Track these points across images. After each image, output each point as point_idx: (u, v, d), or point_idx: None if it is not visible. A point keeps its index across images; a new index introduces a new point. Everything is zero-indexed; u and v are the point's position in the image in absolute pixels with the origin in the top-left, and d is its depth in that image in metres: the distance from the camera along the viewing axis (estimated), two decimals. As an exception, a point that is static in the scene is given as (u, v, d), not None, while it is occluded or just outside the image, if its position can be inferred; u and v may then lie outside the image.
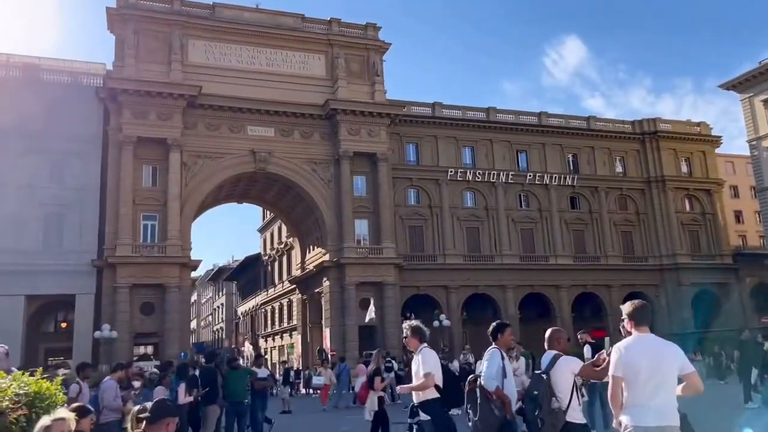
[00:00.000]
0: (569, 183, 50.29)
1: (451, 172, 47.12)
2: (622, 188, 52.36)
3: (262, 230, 66.63)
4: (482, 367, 6.77)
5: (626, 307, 5.18)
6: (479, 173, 47.93)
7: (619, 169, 53.18)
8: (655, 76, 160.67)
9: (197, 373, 10.83)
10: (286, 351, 53.56)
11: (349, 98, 42.47)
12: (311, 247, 46.63)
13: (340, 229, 41.08)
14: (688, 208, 53.58)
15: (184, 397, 9.56)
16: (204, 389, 10.21)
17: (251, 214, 62.67)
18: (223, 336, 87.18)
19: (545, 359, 6.32)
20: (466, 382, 6.70)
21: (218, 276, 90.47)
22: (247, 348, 69.11)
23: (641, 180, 52.64)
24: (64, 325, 38.85)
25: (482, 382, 6.51)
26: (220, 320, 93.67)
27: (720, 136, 56.68)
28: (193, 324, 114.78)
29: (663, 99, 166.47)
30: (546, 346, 6.60)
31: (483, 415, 6.37)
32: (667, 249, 51.19)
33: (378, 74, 44.45)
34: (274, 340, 59.43)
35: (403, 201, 46.10)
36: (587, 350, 13.41)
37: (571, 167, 51.49)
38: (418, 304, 45.80)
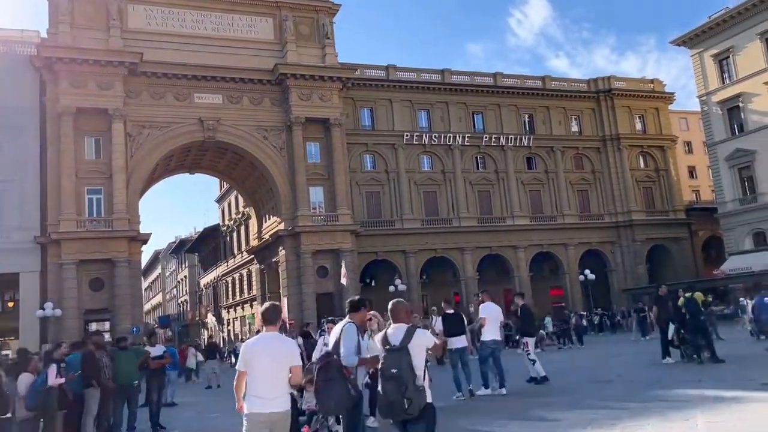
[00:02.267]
0: (525, 144, 50.31)
1: (407, 136, 46.65)
2: (578, 147, 52.63)
3: (219, 201, 65.54)
4: (337, 342, 6.37)
5: (261, 308, 6.01)
6: (435, 136, 47.56)
7: (574, 128, 53.37)
8: (619, 33, 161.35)
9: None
10: (247, 322, 53.22)
11: (299, 62, 41.37)
12: (267, 216, 45.96)
13: (295, 197, 40.45)
14: (642, 165, 54.25)
15: (54, 380, 9.11)
16: (76, 372, 9.80)
17: (212, 184, 61.67)
18: (188, 309, 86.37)
19: (397, 333, 5.73)
20: (318, 359, 6.30)
21: (180, 248, 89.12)
22: (210, 319, 68.60)
23: (597, 139, 52.96)
24: (11, 304, 37.69)
25: (342, 360, 6.18)
26: (184, 293, 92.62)
27: (673, 93, 57.27)
28: (159, 297, 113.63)
29: (627, 57, 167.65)
30: (392, 320, 6.03)
31: (338, 394, 6.02)
32: (622, 206, 51.91)
33: (328, 37, 43.32)
34: (236, 311, 59.00)
35: (359, 167, 45.56)
36: (437, 322, 13.51)
37: (527, 128, 51.46)
38: (378, 270, 45.90)
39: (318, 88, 41.76)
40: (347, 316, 6.58)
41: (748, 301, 23.36)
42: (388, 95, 46.94)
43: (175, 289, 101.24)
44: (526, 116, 51.72)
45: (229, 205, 60.71)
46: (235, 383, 5.66)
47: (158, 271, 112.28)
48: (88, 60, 35.92)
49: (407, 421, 5.46)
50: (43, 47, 35.93)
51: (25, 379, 9.41)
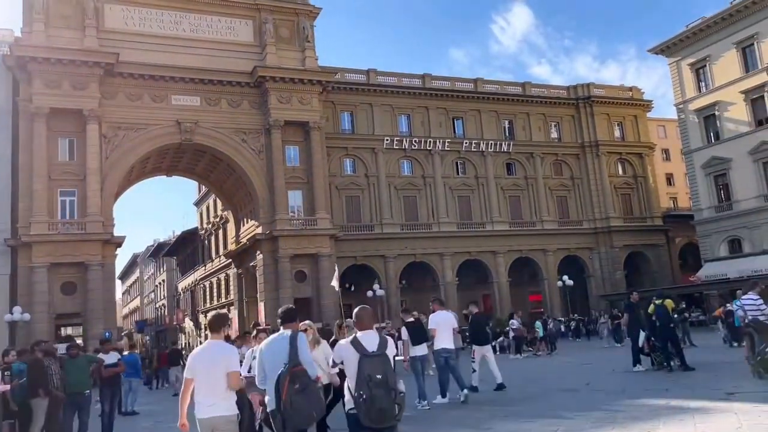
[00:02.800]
0: (505, 149, 50.45)
1: (387, 140, 46.54)
2: (557, 153, 52.90)
3: (198, 204, 64.89)
4: (294, 352, 5.96)
5: (208, 318, 6.26)
6: (415, 141, 47.52)
7: (554, 134, 53.63)
8: (600, 42, 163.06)
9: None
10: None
11: (279, 65, 41.09)
12: (245, 220, 45.53)
13: (273, 200, 40.09)
14: (621, 171, 54.66)
15: None
16: (21, 379, 9.46)
17: (191, 186, 60.86)
18: (166, 313, 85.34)
19: (370, 339, 5.73)
20: (288, 368, 5.87)
21: (158, 252, 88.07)
22: (188, 324, 67.82)
23: (576, 145, 53.26)
24: (-20, 308, 36.75)
25: (307, 368, 5.90)
26: (162, 297, 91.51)
27: (651, 101, 57.83)
28: (137, 301, 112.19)
29: (608, 65, 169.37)
30: (357, 327, 6.05)
31: (315, 403, 5.81)
32: (600, 212, 52.22)
33: (309, 40, 43.08)
34: (213, 315, 58.32)
35: (339, 171, 45.36)
36: (404, 333, 13.52)
37: (507, 133, 51.60)
38: (357, 275, 45.59)
39: (298, 92, 41.50)
40: (281, 327, 6.31)
41: (727, 306, 23.49)
42: (369, 99, 46.82)
43: (153, 293, 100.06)
44: (506, 122, 51.86)
45: (208, 208, 60.12)
46: (180, 393, 5.93)
47: (136, 274, 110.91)
48: (63, 60, 35.33)
49: (391, 427, 5.53)
50: (17, 46, 35.29)
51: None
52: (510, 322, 30.20)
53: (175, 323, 75.14)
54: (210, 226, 58.58)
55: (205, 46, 40.10)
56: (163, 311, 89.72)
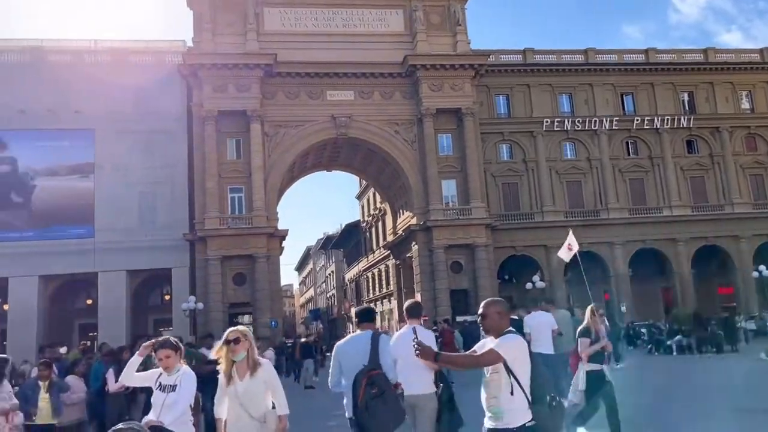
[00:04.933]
0: (684, 125, 45.01)
1: (547, 122, 43.67)
2: (749, 126, 46.17)
3: (359, 197, 66.47)
4: (375, 354, 5.68)
5: (407, 304, 6.74)
6: (579, 121, 44.06)
7: (745, 105, 46.87)
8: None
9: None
10: (386, 317, 53.29)
11: (430, 52, 40.24)
12: (401, 211, 45.45)
13: (426, 190, 39.42)
14: (832, 144, 46.27)
15: (113, 386, 8.46)
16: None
17: (353, 181, 62.61)
18: (335, 303, 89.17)
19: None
20: (363, 373, 5.48)
21: (327, 244, 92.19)
22: (354, 314, 69.98)
23: (773, 115, 46.00)
24: (167, 297, 40.62)
25: (387, 373, 5.62)
26: (332, 287, 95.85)
27: None
28: (311, 292, 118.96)
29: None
30: (484, 321, 4.92)
31: (394, 410, 5.47)
32: (807, 192, 44.64)
33: (460, 24, 41.72)
34: (376, 305, 59.38)
35: (495, 157, 43.43)
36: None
37: (686, 107, 46.01)
38: (516, 266, 43.42)
39: (449, 78, 40.36)
40: (357, 327, 6.01)
41: None
42: (526, 80, 44.26)
43: (324, 284, 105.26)
44: (685, 94, 46.28)
45: (368, 201, 61.29)
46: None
47: (310, 266, 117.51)
48: (228, 64, 37.57)
49: None
50: (188, 55, 38.18)
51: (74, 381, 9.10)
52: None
53: (342, 313, 78.13)
54: (370, 218, 59.65)
55: (357, 40, 40.41)
56: (333, 301, 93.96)
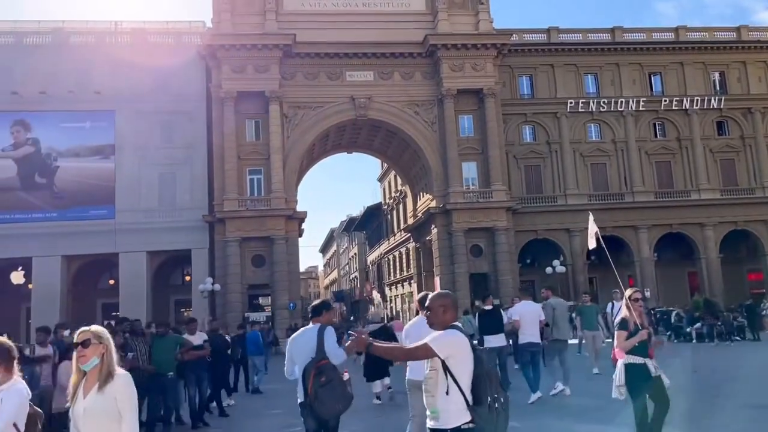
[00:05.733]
0: (715, 106, 43.57)
1: (572, 103, 42.64)
2: (783, 107, 44.48)
3: (381, 179, 66.11)
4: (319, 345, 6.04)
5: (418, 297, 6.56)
6: (604, 102, 42.94)
7: (779, 85, 45.11)
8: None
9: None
10: (406, 300, 53.15)
11: (451, 31, 39.46)
12: (421, 193, 45.01)
13: (446, 173, 38.89)
14: None
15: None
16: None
17: (375, 164, 62.13)
18: (357, 285, 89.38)
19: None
20: (312, 364, 5.89)
21: (350, 227, 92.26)
22: (375, 296, 69.97)
23: (810, 96, 44.24)
24: (188, 278, 40.95)
25: (332, 360, 5.94)
26: (354, 269, 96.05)
27: None
28: (335, 273, 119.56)
29: None
30: (428, 315, 4.45)
31: (341, 396, 5.86)
32: (844, 176, 42.97)
33: (482, 2, 40.79)
34: (396, 288, 59.34)
35: (517, 139, 42.61)
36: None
37: (717, 87, 44.51)
38: (538, 250, 42.75)
39: (471, 58, 39.57)
40: (310, 321, 6.35)
41: None
42: (550, 60, 43.19)
43: (347, 266, 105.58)
44: (716, 74, 44.77)
45: (389, 183, 60.92)
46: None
47: (334, 248, 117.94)
48: (246, 45, 37.32)
49: None
50: (207, 36, 38.02)
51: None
52: None
53: (365, 295, 78.25)
54: (391, 201, 59.33)
55: (377, 19, 39.78)
56: (356, 283, 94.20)
